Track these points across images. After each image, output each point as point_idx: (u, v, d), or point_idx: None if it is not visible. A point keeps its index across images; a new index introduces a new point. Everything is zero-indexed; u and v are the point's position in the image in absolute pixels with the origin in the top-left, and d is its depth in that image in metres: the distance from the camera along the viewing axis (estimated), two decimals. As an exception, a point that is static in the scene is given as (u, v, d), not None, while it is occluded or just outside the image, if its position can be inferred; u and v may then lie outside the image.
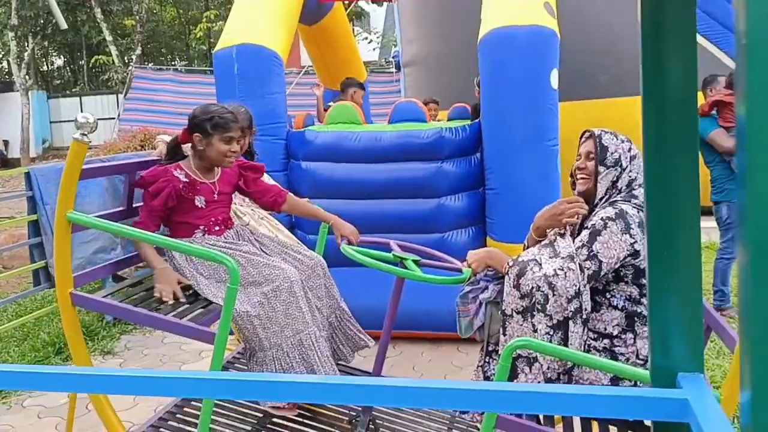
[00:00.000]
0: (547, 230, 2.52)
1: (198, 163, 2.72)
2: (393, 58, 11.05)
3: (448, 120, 5.54)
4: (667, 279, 0.99)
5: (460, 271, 2.62)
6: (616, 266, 2.28)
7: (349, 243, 2.79)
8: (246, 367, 2.74)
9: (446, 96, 7.40)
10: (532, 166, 4.33)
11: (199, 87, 16.79)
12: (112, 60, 20.35)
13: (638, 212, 2.31)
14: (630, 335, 2.30)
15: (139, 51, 19.41)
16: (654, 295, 1.03)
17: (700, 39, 7.83)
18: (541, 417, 2.31)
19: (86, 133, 2.25)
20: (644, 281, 2.27)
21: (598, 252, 2.23)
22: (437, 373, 4.08)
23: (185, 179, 2.66)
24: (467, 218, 4.60)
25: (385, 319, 2.70)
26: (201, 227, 2.69)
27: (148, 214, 2.63)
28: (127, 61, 20.36)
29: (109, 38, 19.76)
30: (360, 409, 2.78)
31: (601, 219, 2.28)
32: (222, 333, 2.24)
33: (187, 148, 2.79)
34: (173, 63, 23.16)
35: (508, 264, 2.31)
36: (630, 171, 2.40)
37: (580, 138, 2.53)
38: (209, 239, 2.68)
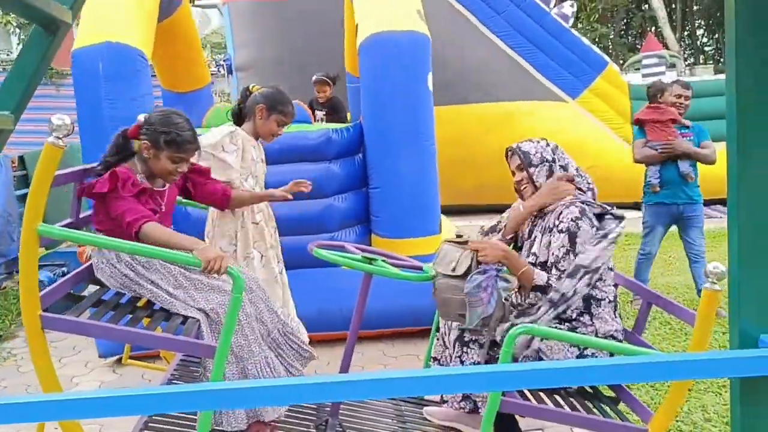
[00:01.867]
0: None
1: (143, 167, 2.50)
2: (224, 61, 10.81)
3: None
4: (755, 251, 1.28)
5: (420, 269, 2.76)
6: None
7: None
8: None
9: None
10: (412, 164, 4.58)
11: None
12: None
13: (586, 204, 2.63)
14: (587, 317, 2.56)
15: None
16: (743, 265, 1.30)
17: (510, 51, 8.76)
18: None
19: (61, 136, 2.01)
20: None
21: (581, 252, 2.51)
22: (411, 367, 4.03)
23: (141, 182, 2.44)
24: (354, 217, 4.74)
25: (353, 317, 2.75)
26: None
27: (136, 206, 2.33)
28: None
29: None
30: (327, 414, 2.79)
31: (572, 220, 2.54)
32: (223, 345, 2.15)
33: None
34: None
35: (533, 277, 2.50)
36: (558, 161, 2.72)
37: (506, 157, 2.80)
38: None
